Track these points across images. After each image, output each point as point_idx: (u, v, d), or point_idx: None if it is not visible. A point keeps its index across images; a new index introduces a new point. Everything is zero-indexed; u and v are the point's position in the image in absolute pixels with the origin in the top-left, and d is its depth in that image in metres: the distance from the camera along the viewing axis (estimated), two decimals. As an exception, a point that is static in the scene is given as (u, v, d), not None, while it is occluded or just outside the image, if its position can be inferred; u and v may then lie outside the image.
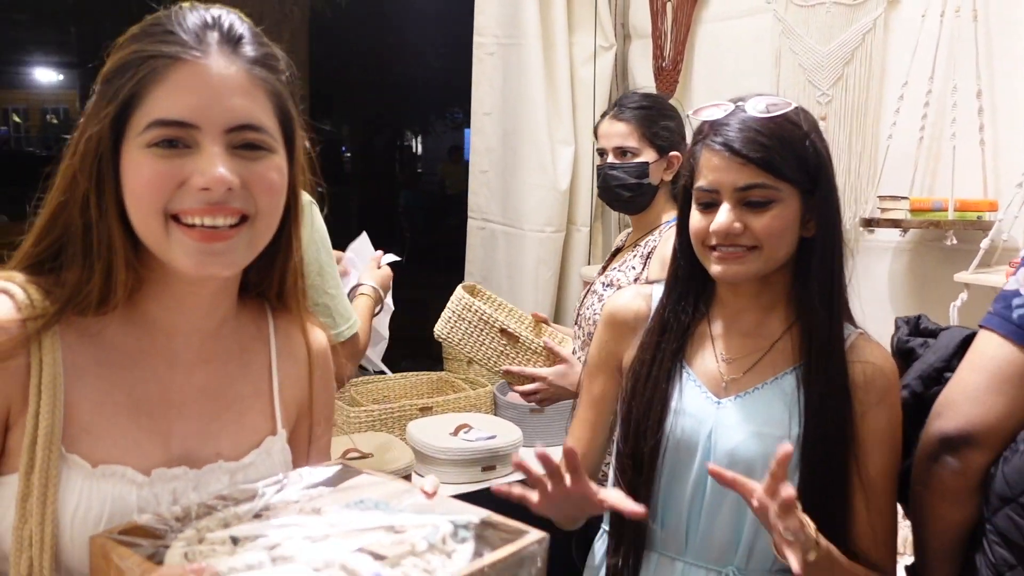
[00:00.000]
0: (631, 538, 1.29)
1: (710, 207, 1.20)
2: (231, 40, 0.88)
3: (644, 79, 3.08)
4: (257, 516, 0.86)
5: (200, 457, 0.95)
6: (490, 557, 0.81)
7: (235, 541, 0.81)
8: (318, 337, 1.11)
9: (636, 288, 1.40)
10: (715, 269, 1.20)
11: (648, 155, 1.98)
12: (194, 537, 0.82)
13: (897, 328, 1.39)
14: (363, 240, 2.18)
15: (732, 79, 2.77)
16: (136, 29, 0.90)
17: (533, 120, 3.06)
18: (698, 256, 1.24)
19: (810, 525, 1.06)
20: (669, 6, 2.91)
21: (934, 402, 1.20)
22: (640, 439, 1.26)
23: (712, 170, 1.18)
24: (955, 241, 2.14)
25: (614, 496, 1.13)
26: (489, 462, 2.25)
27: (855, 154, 2.41)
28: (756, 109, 1.18)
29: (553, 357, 2.05)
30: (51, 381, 0.86)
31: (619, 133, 2.00)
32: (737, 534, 1.22)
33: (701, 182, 1.20)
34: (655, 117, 2.00)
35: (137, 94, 0.84)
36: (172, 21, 0.88)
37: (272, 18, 4.34)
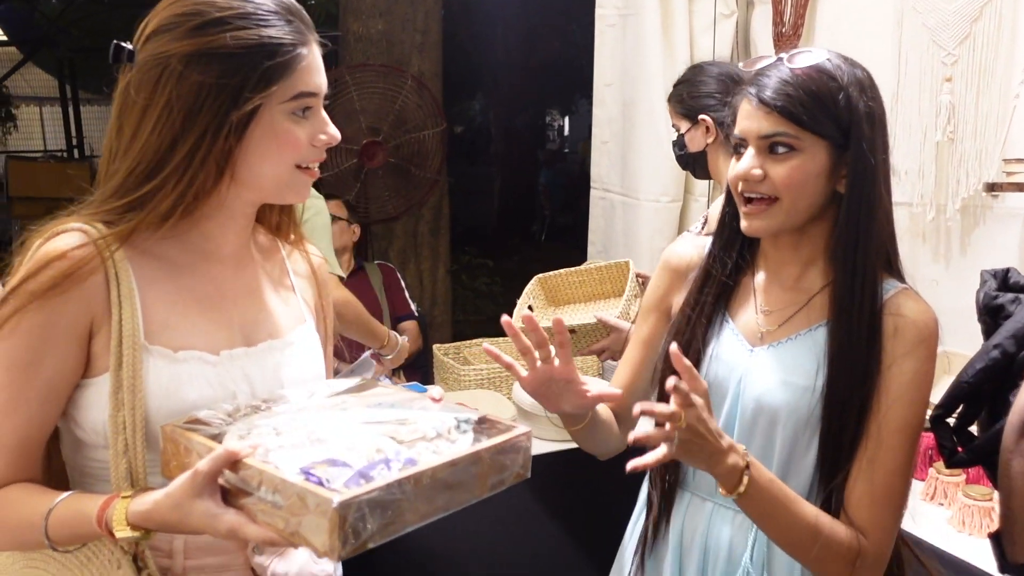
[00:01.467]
0: (665, 476, 1.35)
1: (741, 154, 1.23)
2: (310, 25, 1.12)
3: (764, 46, 3.02)
4: (293, 415, 1.02)
5: (255, 339, 1.16)
6: (486, 443, 0.98)
7: (277, 432, 0.95)
8: (315, 258, 1.32)
9: (693, 238, 1.44)
10: (743, 224, 1.24)
11: (683, 125, 2.17)
12: (244, 428, 0.98)
13: (984, 282, 1.32)
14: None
15: (852, 42, 2.68)
16: (243, 6, 1.05)
17: (651, 90, 3.07)
18: (736, 206, 1.27)
19: (735, 448, 1.10)
20: (791, -31, 2.84)
21: None
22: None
23: (744, 118, 1.22)
24: (1086, 205, 2.02)
25: (596, 386, 1.19)
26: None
27: (982, 116, 2.30)
28: (796, 61, 1.20)
29: (608, 327, 2.35)
30: (129, 291, 1.05)
31: (670, 112, 2.22)
32: None
33: (735, 130, 1.24)
34: (684, 87, 2.16)
35: (282, 71, 1.05)
36: (284, 6, 1.08)
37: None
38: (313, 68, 1.08)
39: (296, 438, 0.93)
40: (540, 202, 11.44)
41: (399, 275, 3.47)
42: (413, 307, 3.43)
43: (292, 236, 1.28)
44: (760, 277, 1.32)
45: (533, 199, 11.29)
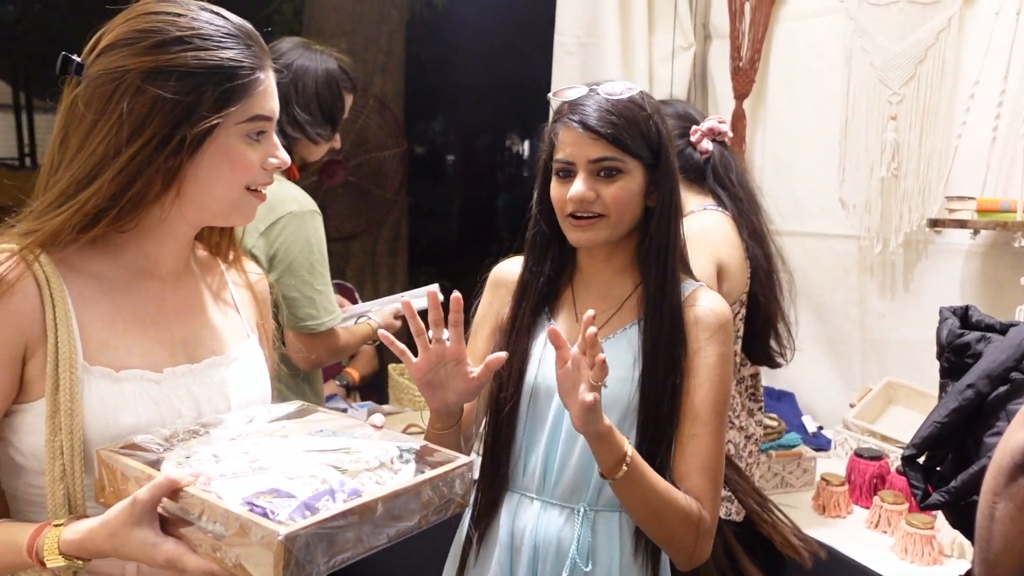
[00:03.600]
0: (491, 478, 1.43)
1: (567, 178, 1.34)
2: (267, 52, 1.14)
3: (721, 79, 3.10)
4: (233, 440, 1.01)
5: (198, 355, 1.16)
6: (429, 474, 0.98)
7: (217, 459, 0.95)
8: (254, 275, 1.31)
9: (518, 259, 1.52)
10: (573, 235, 1.36)
11: None
12: (183, 454, 0.96)
13: (944, 319, 1.34)
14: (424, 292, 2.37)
15: (805, 79, 2.77)
16: (205, 27, 1.07)
17: (609, 118, 3.11)
18: (560, 223, 1.37)
19: (621, 437, 1.22)
20: (748, 5, 2.92)
21: (1001, 404, 1.16)
22: (503, 387, 1.40)
23: (569, 144, 1.33)
24: None
25: (483, 368, 1.24)
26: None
27: (924, 155, 2.39)
28: (607, 92, 1.33)
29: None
30: (64, 312, 1.03)
31: None
32: (589, 474, 1.35)
33: (560, 155, 1.34)
34: None
35: (240, 94, 1.06)
36: (244, 31, 1.10)
37: (371, 19, 4.52)
38: (268, 93, 1.11)
39: (237, 466, 0.92)
40: (498, 224, 11.45)
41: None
42: None
43: (231, 256, 1.28)
44: (578, 288, 1.45)
45: (491, 221, 11.31)
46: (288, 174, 2.02)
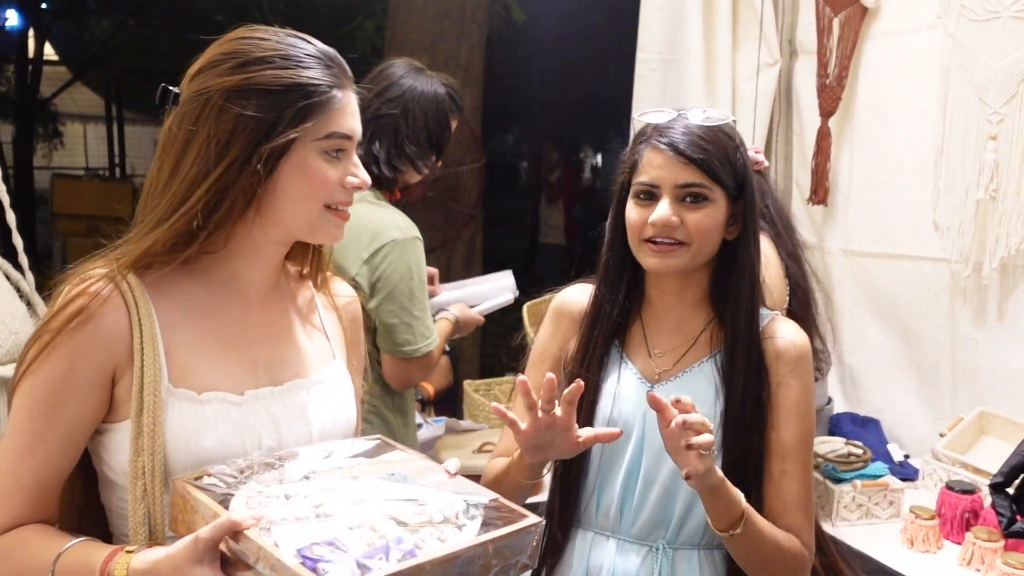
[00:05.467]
0: (561, 514, 1.40)
1: (648, 201, 1.30)
2: (350, 76, 1.15)
3: (808, 96, 3.03)
4: (306, 478, 1.01)
5: (281, 378, 1.16)
6: (493, 533, 0.94)
7: (287, 498, 0.95)
8: (342, 299, 1.31)
9: (582, 285, 1.48)
10: (650, 261, 1.31)
11: None
12: (254, 490, 0.97)
13: None
14: (503, 276, 2.41)
15: (896, 96, 2.68)
16: (285, 48, 1.09)
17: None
18: (632, 248, 1.33)
19: (735, 491, 1.20)
20: (836, 22, 2.85)
21: None
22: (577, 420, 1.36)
23: (656, 167, 1.29)
24: None
25: (589, 432, 1.22)
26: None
27: (1026, 176, 2.28)
28: (698, 118, 1.30)
29: None
30: (151, 337, 1.06)
31: None
32: (669, 511, 1.33)
33: (643, 177, 1.30)
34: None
35: (317, 111, 1.08)
36: (325, 53, 1.12)
37: (451, 35, 4.57)
38: (348, 112, 1.12)
39: (301, 510, 0.92)
40: (572, 238, 11.44)
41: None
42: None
43: (320, 278, 1.28)
44: (649, 322, 1.41)
45: (567, 235, 11.30)
46: (390, 197, 2.04)
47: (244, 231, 1.11)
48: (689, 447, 1.12)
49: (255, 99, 1.05)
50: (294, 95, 1.06)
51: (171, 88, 1.10)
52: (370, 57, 5.13)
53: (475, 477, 2.24)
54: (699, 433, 1.12)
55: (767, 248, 1.99)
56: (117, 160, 10.55)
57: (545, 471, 1.36)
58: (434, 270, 2.31)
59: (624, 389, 1.37)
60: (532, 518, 1.00)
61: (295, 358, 1.19)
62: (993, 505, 1.26)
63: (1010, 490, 1.25)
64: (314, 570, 0.84)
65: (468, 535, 0.94)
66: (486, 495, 1.03)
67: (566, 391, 1.19)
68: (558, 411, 1.18)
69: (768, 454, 1.31)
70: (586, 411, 1.37)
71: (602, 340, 1.40)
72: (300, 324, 1.23)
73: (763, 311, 1.38)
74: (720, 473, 1.17)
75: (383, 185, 2.02)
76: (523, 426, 1.19)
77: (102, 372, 1.05)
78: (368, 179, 1.15)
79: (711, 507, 1.20)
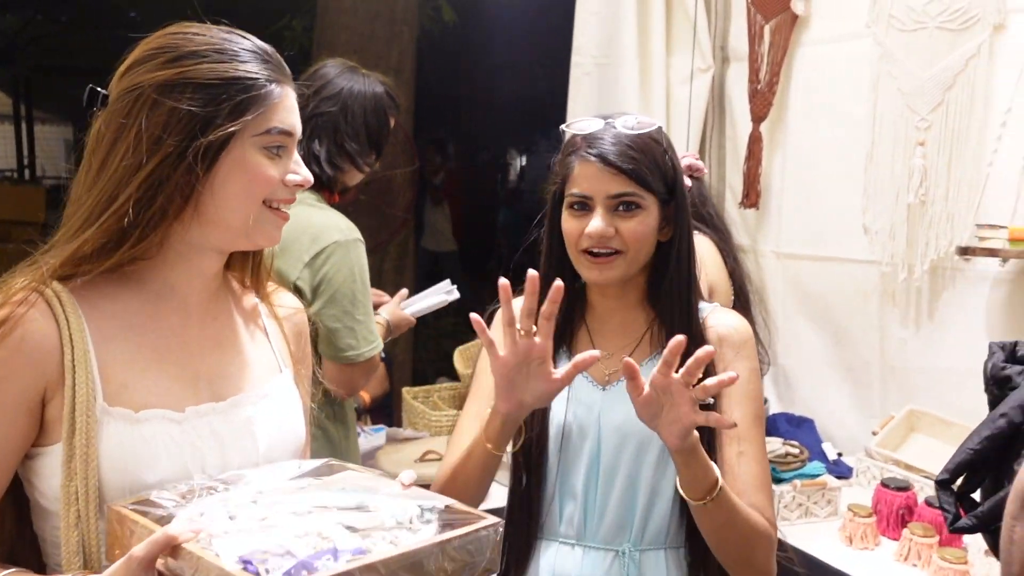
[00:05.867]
0: (521, 525, 1.39)
1: (583, 212, 1.31)
2: (287, 72, 1.11)
3: (739, 101, 3.08)
4: (254, 502, 0.95)
5: (223, 393, 1.10)
6: (449, 534, 0.91)
7: (231, 517, 0.90)
8: (285, 309, 1.25)
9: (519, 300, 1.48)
10: (589, 274, 1.34)
11: None
12: (197, 511, 0.91)
13: (992, 353, 1.36)
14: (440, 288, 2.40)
15: (827, 103, 2.75)
16: (220, 43, 1.05)
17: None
18: (571, 258, 1.35)
19: (709, 460, 1.21)
20: (767, 29, 2.90)
21: None
22: (526, 430, 1.35)
23: (587, 179, 1.30)
24: (1056, 273, 2.07)
25: (571, 366, 1.19)
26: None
27: (954, 181, 2.36)
28: (626, 126, 1.31)
29: None
30: (83, 354, 1.00)
31: None
32: (631, 511, 1.34)
33: (575, 189, 1.32)
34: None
35: (257, 105, 1.03)
36: (260, 48, 1.08)
37: (382, 37, 4.50)
38: (288, 108, 1.08)
39: (246, 523, 0.88)
40: (498, 241, 11.44)
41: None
42: None
43: (262, 289, 1.23)
44: (593, 326, 1.42)
45: (492, 237, 11.29)
46: (330, 199, 1.99)
47: (180, 233, 1.06)
48: (693, 391, 1.13)
49: (190, 93, 1.00)
50: (232, 89, 1.02)
51: (99, 89, 1.04)
52: (297, 58, 5.03)
53: (423, 487, 2.21)
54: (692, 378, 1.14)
55: (712, 251, 2.08)
56: (26, 161, 10.10)
57: (509, 448, 1.33)
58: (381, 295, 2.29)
59: (577, 393, 1.37)
60: (490, 519, 0.97)
61: (238, 372, 1.13)
62: (939, 502, 1.30)
63: (955, 487, 1.29)
64: (256, 574, 0.79)
65: (422, 539, 0.91)
66: (441, 501, 0.99)
67: (577, 357, 1.18)
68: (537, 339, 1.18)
69: (723, 439, 1.33)
70: (539, 419, 1.37)
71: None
72: (243, 336, 1.17)
73: (702, 304, 1.41)
74: (696, 434, 1.17)
75: (323, 186, 1.97)
76: (499, 352, 1.18)
77: (31, 393, 0.99)
78: (311, 177, 1.11)
79: (686, 474, 1.20)
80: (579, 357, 1.18)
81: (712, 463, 1.21)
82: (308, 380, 1.27)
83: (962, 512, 1.28)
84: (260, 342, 1.19)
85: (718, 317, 1.39)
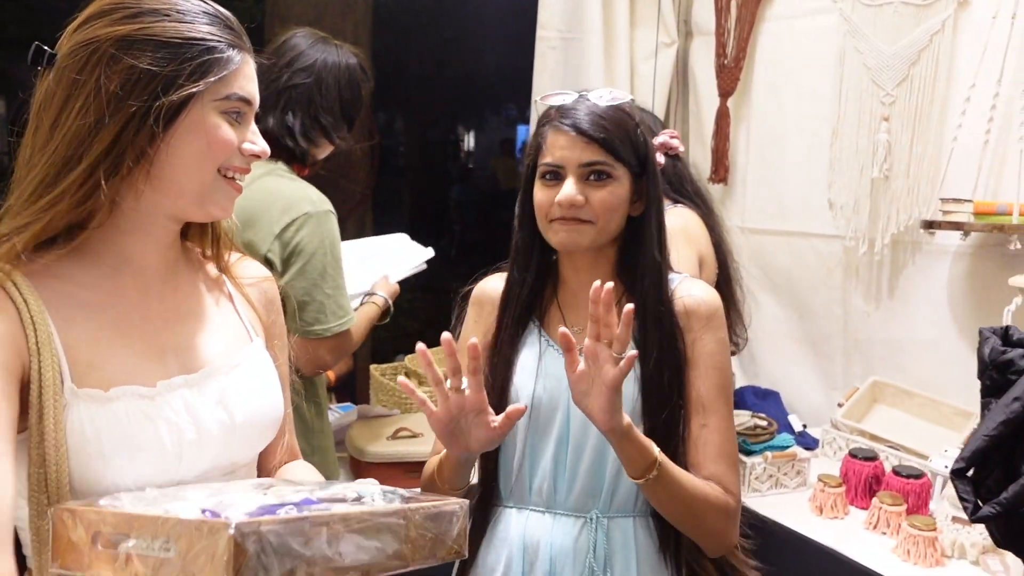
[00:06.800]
0: (484, 490, 1.43)
1: (554, 182, 1.33)
2: (247, 39, 1.09)
3: (704, 76, 3.09)
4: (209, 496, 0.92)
5: (194, 366, 1.08)
6: (414, 504, 0.91)
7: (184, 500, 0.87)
8: (250, 280, 1.23)
9: (500, 274, 1.51)
10: (556, 238, 1.34)
11: None
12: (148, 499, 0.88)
13: (986, 339, 1.38)
14: (399, 240, 2.35)
15: (794, 78, 2.76)
16: (182, 3, 1.02)
17: (592, 114, 3.08)
18: (541, 229, 1.37)
19: (644, 437, 1.23)
20: (733, 3, 2.90)
21: None
22: (490, 397, 1.37)
23: (559, 148, 1.32)
24: (1019, 246, 2.12)
25: (503, 418, 1.20)
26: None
27: (916, 156, 2.40)
28: (600, 98, 1.34)
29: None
30: (47, 336, 0.96)
31: None
32: (600, 479, 1.36)
33: (548, 159, 1.34)
34: None
35: (218, 68, 1.01)
36: (222, 13, 1.05)
37: (337, 8, 4.41)
38: (247, 75, 1.06)
39: (197, 498, 0.84)
40: (451, 217, 11.39)
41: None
42: None
43: (223, 258, 1.20)
44: (564, 300, 1.44)
45: (444, 214, 11.23)
46: (300, 172, 1.95)
47: (132, 200, 1.02)
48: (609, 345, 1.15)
49: (150, 51, 0.97)
50: (194, 49, 0.99)
51: (45, 48, 0.99)
52: (250, 30, 4.90)
53: (396, 464, 2.18)
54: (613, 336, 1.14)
55: (700, 224, 2.11)
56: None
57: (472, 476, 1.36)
58: None
59: (547, 367, 1.39)
60: (454, 500, 0.98)
61: (206, 343, 1.11)
62: (956, 491, 1.29)
63: (969, 474, 1.29)
64: (216, 515, 0.76)
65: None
66: (405, 490, 1.00)
67: (509, 408, 1.19)
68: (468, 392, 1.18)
69: (689, 410, 1.35)
70: (498, 390, 1.38)
71: (511, 322, 1.42)
72: (208, 306, 1.15)
73: (672, 275, 1.42)
74: (628, 418, 1.19)
75: (295, 158, 1.92)
76: (433, 408, 1.18)
77: (14, 374, 0.93)
78: (267, 149, 1.09)
79: (624, 454, 1.22)
80: (511, 408, 1.20)
81: (649, 444, 1.23)
82: (285, 349, 1.25)
83: (979, 501, 1.27)
84: (227, 311, 1.17)
85: (686, 288, 1.40)
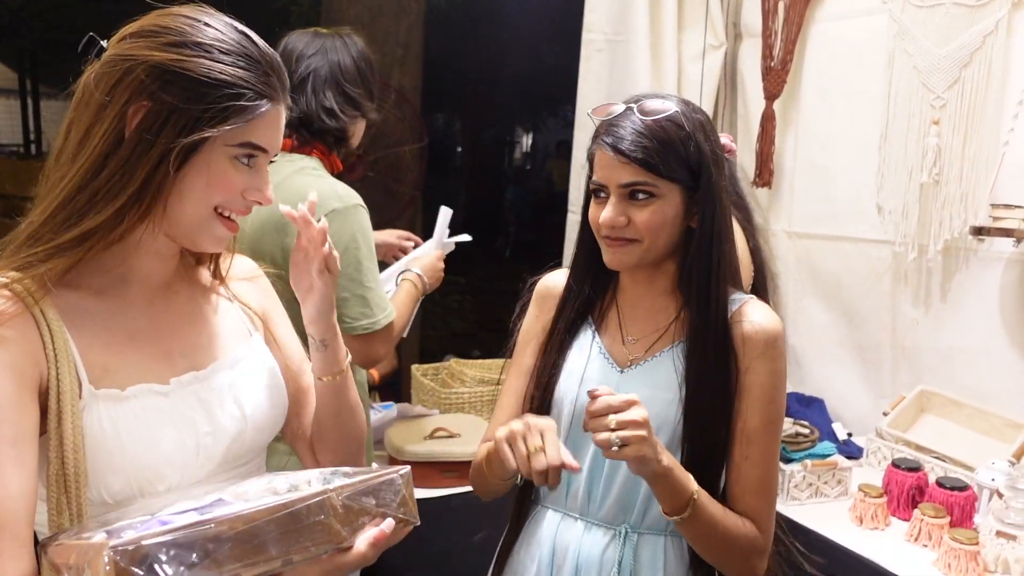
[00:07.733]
0: (531, 492, 1.45)
1: (603, 199, 1.31)
2: (286, 88, 1.10)
3: (752, 79, 3.05)
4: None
5: (202, 364, 1.13)
6: (336, 483, 0.92)
7: (152, 515, 0.89)
8: (242, 271, 1.27)
9: (565, 270, 1.50)
10: (605, 257, 1.35)
11: None
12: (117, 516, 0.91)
13: None
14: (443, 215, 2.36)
15: (842, 80, 2.72)
16: (228, 41, 1.03)
17: (638, 117, 3.07)
18: (599, 243, 1.36)
19: (685, 477, 1.22)
20: (781, 5, 2.87)
21: None
22: (533, 400, 1.41)
23: (602, 167, 1.30)
24: (1071, 254, 2.06)
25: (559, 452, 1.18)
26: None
27: (968, 160, 2.34)
28: (643, 111, 1.28)
29: None
30: (63, 343, 1.00)
31: None
32: (634, 495, 1.34)
33: (595, 176, 1.32)
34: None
35: (240, 115, 1.02)
36: (266, 58, 1.06)
37: (391, 12, 4.46)
38: (272, 125, 1.07)
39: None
40: (505, 218, 11.42)
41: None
42: None
43: (215, 269, 1.23)
44: (624, 309, 1.43)
45: (499, 215, 11.27)
46: (331, 169, 1.96)
47: (144, 227, 1.06)
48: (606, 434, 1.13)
49: (179, 86, 0.99)
50: (220, 92, 1.00)
51: (100, 41, 1.03)
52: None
53: (433, 463, 2.21)
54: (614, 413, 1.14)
55: (736, 230, 2.07)
56: (32, 136, 10.08)
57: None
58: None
59: (591, 372, 1.39)
60: (393, 469, 0.98)
61: (209, 342, 1.16)
62: None
63: None
64: (110, 534, 0.79)
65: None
66: (366, 470, 1.00)
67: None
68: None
69: (732, 441, 1.32)
70: (542, 391, 1.40)
71: (564, 327, 1.42)
72: (207, 309, 1.19)
73: (737, 295, 1.38)
74: (666, 462, 1.18)
75: (334, 142, 1.95)
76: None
77: (32, 382, 0.98)
78: (271, 198, 1.10)
79: (657, 491, 1.22)
80: (570, 464, 1.15)
81: (685, 483, 1.21)
82: (288, 335, 1.28)
83: None
84: (224, 310, 1.21)
85: (747, 312, 1.35)
